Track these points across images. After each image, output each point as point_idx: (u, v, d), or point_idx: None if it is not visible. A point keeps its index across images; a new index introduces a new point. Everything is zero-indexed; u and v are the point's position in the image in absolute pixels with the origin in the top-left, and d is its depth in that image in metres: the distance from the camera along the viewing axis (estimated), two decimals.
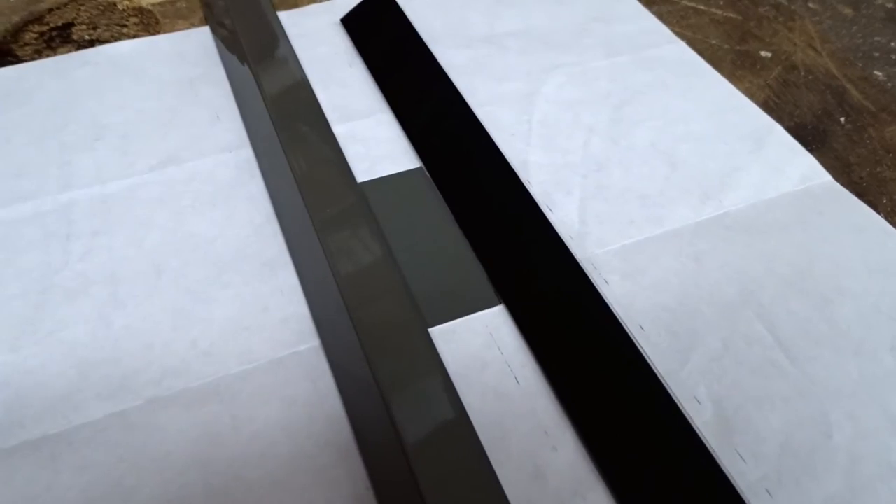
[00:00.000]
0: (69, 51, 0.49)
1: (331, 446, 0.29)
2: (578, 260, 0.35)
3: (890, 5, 0.52)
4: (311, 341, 0.32)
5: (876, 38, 0.49)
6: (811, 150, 0.41)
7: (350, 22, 0.49)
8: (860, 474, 0.28)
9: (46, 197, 0.38)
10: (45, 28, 0.52)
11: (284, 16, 0.50)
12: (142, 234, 0.36)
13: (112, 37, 0.51)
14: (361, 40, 0.48)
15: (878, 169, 0.40)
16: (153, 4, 0.53)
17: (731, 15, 0.51)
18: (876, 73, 0.47)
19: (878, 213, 0.38)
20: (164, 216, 0.37)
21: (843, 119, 0.43)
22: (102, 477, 0.28)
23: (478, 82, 0.45)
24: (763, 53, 0.48)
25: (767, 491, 0.28)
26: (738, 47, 0.48)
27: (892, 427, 0.30)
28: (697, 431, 0.29)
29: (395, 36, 0.47)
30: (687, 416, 0.29)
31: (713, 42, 0.49)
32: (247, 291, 0.34)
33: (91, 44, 0.50)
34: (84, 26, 0.53)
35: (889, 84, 0.46)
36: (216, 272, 0.35)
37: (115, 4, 0.54)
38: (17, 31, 0.51)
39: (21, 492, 0.28)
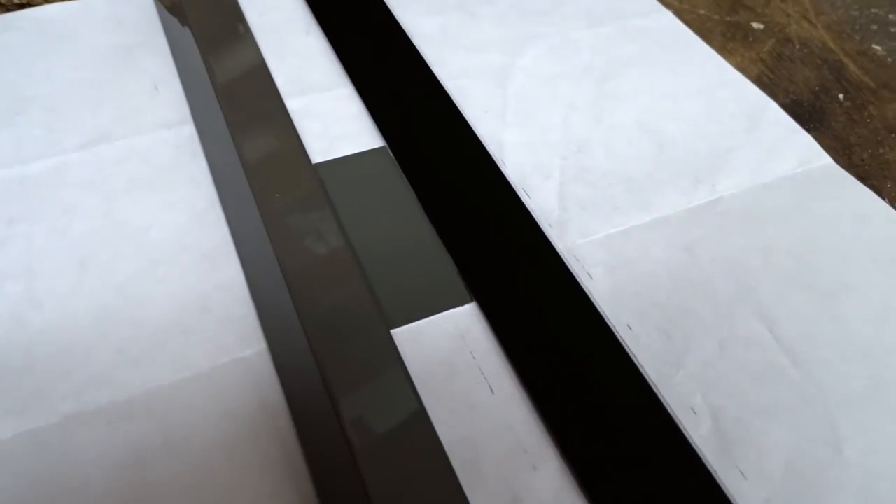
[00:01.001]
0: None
1: (278, 468, 0.25)
2: (559, 251, 0.31)
3: None
4: (256, 345, 0.28)
5: (873, 10, 0.46)
6: (809, 130, 0.37)
7: None
8: (875, 494, 0.25)
9: None
10: None
11: None
12: (65, 221, 0.32)
13: (47, 0, 0.46)
14: (319, 6, 0.43)
15: (881, 150, 0.37)
16: None
17: None
18: (874, 46, 0.44)
19: (882, 198, 0.35)
20: (92, 201, 0.33)
21: (841, 96, 0.40)
22: None
23: (448, 53, 0.41)
24: (755, 25, 0.44)
25: None
26: (728, 18, 0.45)
27: None
28: (694, 447, 0.26)
29: (357, 1, 0.43)
30: (682, 429, 0.26)
31: (702, 12, 0.45)
32: (184, 288, 0.30)
33: (21, 7, 0.45)
34: None
35: (889, 59, 0.43)
36: (149, 266, 0.31)
37: None
38: None
39: None
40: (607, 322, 0.29)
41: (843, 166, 0.36)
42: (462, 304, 0.30)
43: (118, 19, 0.43)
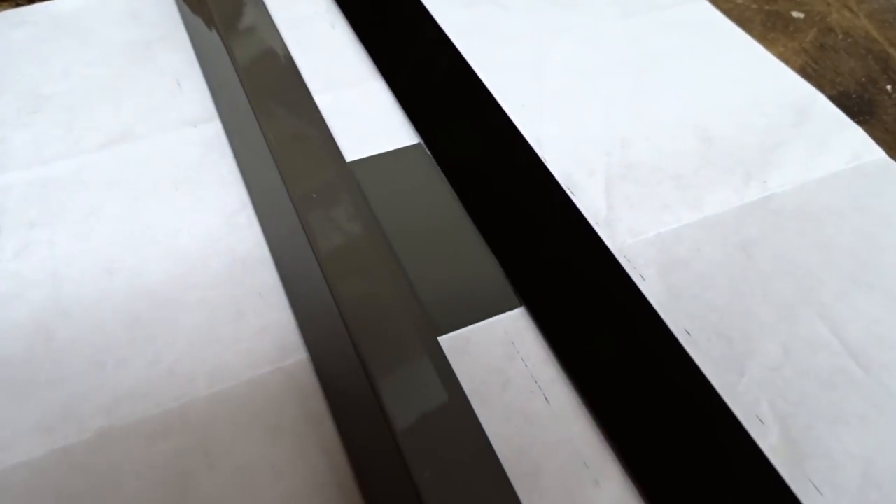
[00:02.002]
0: (4, 8, 0.43)
1: (327, 486, 0.24)
2: (611, 251, 0.30)
3: None
4: (296, 355, 0.27)
5: None
6: (859, 123, 0.36)
7: None
8: None
9: None
10: None
11: None
12: (90, 225, 0.31)
13: None
14: None
15: None
16: None
17: None
18: None
19: None
20: (116, 204, 0.31)
21: (889, 87, 0.39)
22: None
23: (480, 45, 0.39)
24: (795, 14, 0.43)
25: None
26: (766, 7, 0.43)
27: None
28: (768, 458, 0.24)
29: None
30: (754, 441, 0.25)
31: (739, 1, 0.43)
32: (217, 294, 0.28)
33: (32, 2, 0.44)
34: None
35: None
36: (180, 271, 0.29)
37: None
38: None
39: None
40: (667, 327, 0.27)
41: None
42: (511, 308, 0.28)
43: (134, 13, 0.41)
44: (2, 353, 0.26)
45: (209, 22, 0.39)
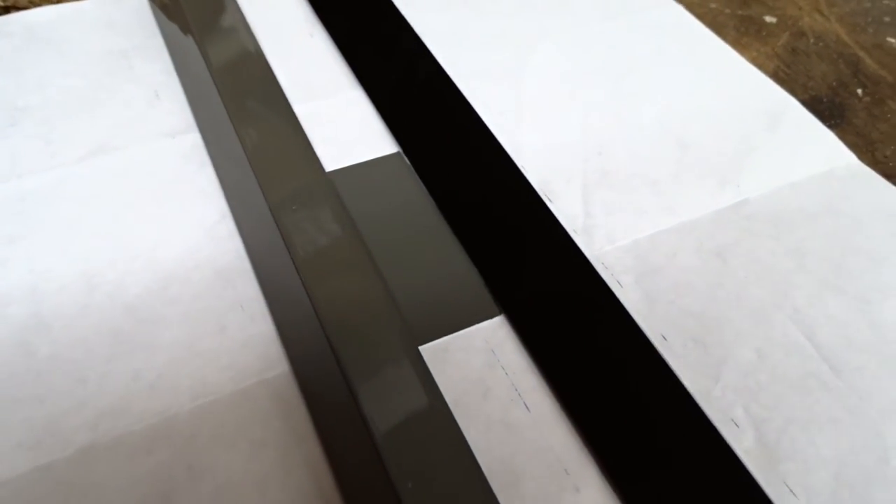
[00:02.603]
0: None
1: (312, 498, 0.24)
2: (588, 258, 0.30)
3: None
4: (279, 367, 0.27)
5: (885, 2, 0.45)
6: (830, 127, 0.37)
7: None
8: None
9: None
10: None
11: None
12: (68, 239, 0.31)
13: (31, 2, 0.44)
14: (322, 6, 0.42)
15: None
16: None
17: None
18: (889, 39, 0.43)
19: None
20: (95, 217, 0.31)
21: (860, 91, 0.39)
22: None
23: (457, 52, 0.39)
24: (767, 18, 0.44)
25: None
26: (739, 11, 0.44)
27: None
28: (743, 462, 0.25)
29: (362, 1, 0.41)
30: (730, 446, 0.25)
31: (713, 6, 0.44)
32: (199, 307, 0.29)
33: (6, 10, 0.43)
34: None
35: None
36: (161, 285, 0.29)
37: None
38: None
39: None
40: (645, 334, 0.28)
41: (867, 164, 0.35)
42: (490, 317, 0.29)
43: (110, 22, 0.41)
44: None
45: (186, 31, 0.39)
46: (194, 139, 0.35)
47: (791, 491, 0.25)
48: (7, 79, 0.37)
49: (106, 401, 0.26)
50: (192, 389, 0.26)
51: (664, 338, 0.28)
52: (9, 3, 0.45)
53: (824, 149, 0.36)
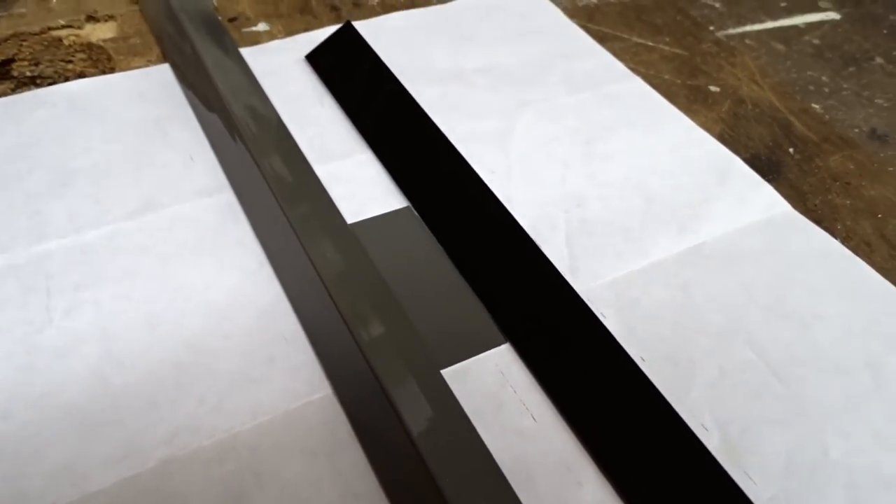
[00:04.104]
0: (8, 88, 0.47)
1: (360, 498, 0.29)
2: (577, 293, 0.36)
3: (816, 41, 0.57)
4: (322, 390, 0.32)
5: (808, 73, 0.53)
6: (768, 181, 0.44)
7: (316, 59, 0.49)
8: (858, 489, 0.30)
9: (18, 250, 0.36)
10: None
11: (246, 52, 0.49)
12: (128, 285, 0.35)
13: (56, 73, 0.49)
14: (330, 77, 0.48)
15: (829, 196, 0.44)
16: (104, 41, 0.51)
17: (678, 51, 0.54)
18: (813, 105, 0.50)
19: (835, 237, 0.41)
20: (149, 265, 0.36)
21: (791, 150, 0.47)
22: None
23: (452, 119, 0.45)
24: (712, 88, 0.51)
25: None
26: (689, 82, 0.51)
27: (879, 442, 0.32)
28: (714, 456, 0.30)
29: (365, 72, 0.47)
30: (701, 442, 0.31)
31: (666, 77, 0.51)
32: (249, 341, 0.33)
33: (32, 80, 0.48)
34: (25, 62, 0.50)
35: (826, 116, 0.50)
36: (214, 322, 0.34)
37: (60, 40, 0.51)
38: None
39: None
40: (629, 355, 0.34)
41: (800, 212, 0.42)
42: (498, 344, 0.34)
43: (141, 93, 0.46)
44: (66, 400, 0.31)
45: (214, 101, 0.44)
46: (229, 197, 0.40)
47: (751, 479, 0.30)
48: (55, 144, 0.42)
49: (178, 420, 0.30)
50: (250, 410, 0.31)
51: (642, 359, 0.34)
52: (35, 74, 0.49)
53: (764, 199, 0.42)
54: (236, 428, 0.30)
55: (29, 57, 0.51)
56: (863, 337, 0.36)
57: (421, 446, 0.29)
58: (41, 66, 0.50)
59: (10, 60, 0.50)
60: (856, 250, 0.40)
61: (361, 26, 0.52)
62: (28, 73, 0.50)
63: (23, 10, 0.53)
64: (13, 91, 0.46)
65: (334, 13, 0.54)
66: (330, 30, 0.51)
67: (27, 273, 0.35)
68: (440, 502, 0.27)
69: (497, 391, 0.32)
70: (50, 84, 0.47)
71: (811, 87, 0.52)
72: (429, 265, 0.37)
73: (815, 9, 0.61)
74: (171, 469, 0.29)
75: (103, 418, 0.30)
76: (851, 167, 0.46)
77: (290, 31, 0.52)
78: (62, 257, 0.36)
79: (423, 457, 0.28)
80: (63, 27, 0.52)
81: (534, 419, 0.32)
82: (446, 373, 0.33)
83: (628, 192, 0.42)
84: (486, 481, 0.29)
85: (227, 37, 0.49)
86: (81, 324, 0.33)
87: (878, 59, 0.56)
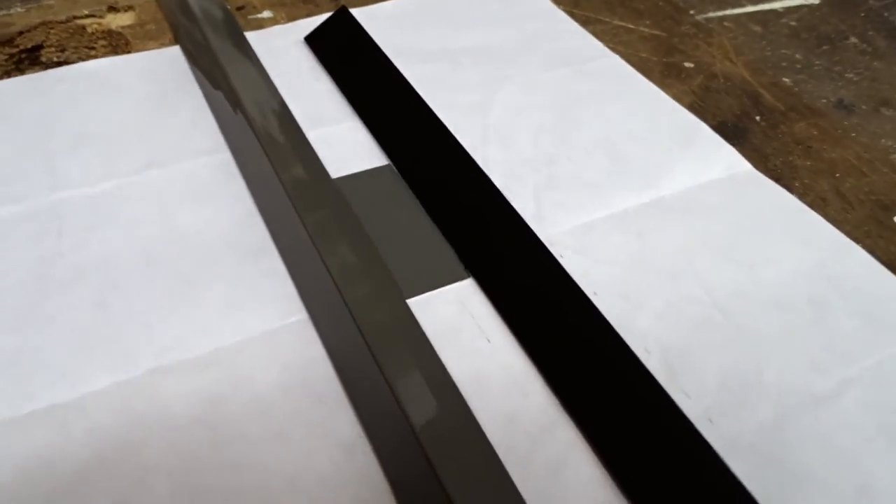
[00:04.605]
0: (38, 72, 0.52)
1: (325, 402, 0.32)
2: (538, 237, 0.39)
3: (793, 23, 0.59)
4: (299, 314, 0.35)
5: (783, 51, 0.56)
6: (733, 145, 0.46)
7: (314, 40, 0.53)
8: (787, 404, 0.33)
9: (37, 199, 0.40)
10: (14, 50, 0.54)
11: (251, 36, 0.53)
12: (131, 228, 0.39)
13: (80, 59, 0.54)
14: (326, 57, 0.52)
15: (790, 158, 0.46)
16: (123, 27, 0.56)
17: (658, 32, 0.57)
18: (784, 79, 0.53)
19: (792, 193, 0.43)
20: (151, 213, 0.40)
21: (758, 118, 0.49)
22: (112, 438, 0.30)
23: (437, 92, 0.49)
24: (687, 64, 0.54)
25: (710, 420, 0.32)
26: (664, 59, 0.54)
27: (812, 366, 0.34)
28: (651, 372, 0.33)
29: (358, 52, 0.51)
30: (641, 361, 0.33)
31: (643, 55, 0.54)
32: (236, 275, 0.37)
33: (59, 65, 0.53)
34: (53, 49, 0.55)
35: (796, 88, 0.52)
36: (205, 260, 0.38)
37: (84, 28, 0.56)
38: None
39: (36, 453, 0.30)
40: (580, 288, 0.36)
41: (761, 171, 0.45)
42: (462, 279, 0.37)
43: (153, 70, 0.51)
44: (70, 319, 0.34)
45: (217, 76, 0.48)
46: (226, 157, 0.44)
47: (686, 394, 0.33)
48: (75, 113, 0.46)
49: (168, 338, 0.34)
50: (233, 330, 0.34)
51: (595, 293, 0.37)
52: (62, 60, 0.54)
53: (727, 159, 0.45)
54: (218, 344, 0.34)
55: (56, 43, 0.55)
56: (808, 277, 0.38)
57: (380, 358, 0.32)
58: (67, 52, 0.55)
59: (39, 47, 0.55)
60: (811, 205, 0.43)
61: (358, 12, 0.56)
62: (55, 59, 0.54)
63: (51, 1, 0.58)
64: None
65: (333, 2, 0.59)
66: (328, 15, 0.55)
67: (43, 217, 0.39)
68: (395, 404, 0.30)
69: (457, 318, 0.36)
70: None
71: (784, 64, 0.55)
72: (403, 213, 0.41)
73: None
74: (158, 376, 0.32)
75: (102, 334, 0.34)
76: (815, 133, 0.48)
77: (292, 18, 0.57)
78: (74, 204, 0.40)
79: (381, 367, 0.31)
80: (87, 16, 0.57)
81: (488, 341, 0.35)
82: (412, 302, 0.36)
83: (596, 154, 0.45)
84: (438, 389, 0.32)
85: (233, 22, 0.53)
86: (88, 258, 0.37)
87: (853, 39, 0.58)
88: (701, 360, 0.34)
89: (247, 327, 0.35)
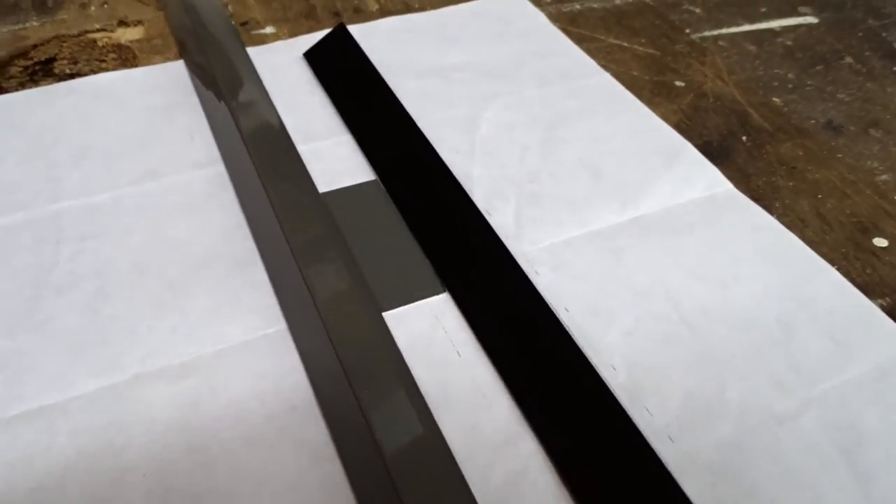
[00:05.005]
0: (51, 83, 0.54)
1: (297, 409, 0.33)
2: (513, 255, 0.40)
3: (789, 42, 0.60)
4: (278, 325, 0.37)
5: (776, 70, 0.57)
6: (716, 164, 0.47)
7: (312, 56, 0.55)
8: (747, 423, 0.33)
9: (37, 208, 0.42)
10: (29, 62, 0.56)
11: (252, 51, 0.55)
12: (125, 237, 0.41)
13: (91, 71, 0.56)
14: (322, 72, 0.53)
15: (773, 178, 0.47)
16: (131, 41, 0.58)
17: (651, 51, 0.58)
18: (774, 99, 0.54)
19: (772, 214, 0.44)
20: (144, 222, 0.42)
21: (744, 138, 0.50)
22: (95, 439, 0.32)
23: (427, 108, 0.50)
24: (677, 83, 0.55)
25: (669, 437, 0.33)
26: (655, 78, 0.55)
27: (775, 385, 0.35)
28: (612, 391, 0.34)
29: (353, 68, 0.53)
30: (604, 379, 0.34)
31: (634, 73, 0.55)
32: (221, 285, 0.38)
33: (71, 77, 0.55)
34: (65, 61, 0.57)
35: (786, 108, 0.53)
36: (193, 270, 0.39)
37: (95, 41, 0.58)
38: (4, 66, 0.55)
39: (22, 452, 0.31)
40: (549, 305, 0.37)
41: (742, 191, 0.45)
42: (437, 293, 0.38)
43: (157, 84, 0.53)
44: (62, 325, 0.36)
45: (216, 90, 0.50)
46: (220, 169, 0.45)
47: (648, 411, 0.34)
48: (77, 126, 0.48)
49: (152, 345, 0.35)
50: (214, 339, 0.36)
51: (566, 309, 0.38)
52: (74, 72, 0.57)
53: (709, 179, 0.46)
54: (200, 352, 0.35)
55: (68, 56, 0.58)
56: (778, 297, 0.39)
57: (348, 368, 0.33)
58: (79, 65, 0.57)
59: (53, 59, 0.57)
60: (790, 226, 0.43)
61: (357, 29, 0.57)
62: (68, 71, 0.57)
63: (65, 16, 0.60)
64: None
65: (336, 18, 0.60)
66: (327, 32, 0.57)
67: (42, 226, 0.41)
68: (360, 413, 0.32)
69: (430, 332, 0.37)
70: None
71: (775, 84, 0.55)
72: (385, 227, 0.42)
73: (794, 13, 0.64)
74: (141, 381, 0.34)
75: (90, 340, 0.36)
76: (800, 154, 0.49)
77: (294, 34, 0.58)
78: (73, 215, 0.42)
79: (349, 377, 0.33)
80: (98, 30, 0.59)
81: (459, 355, 0.36)
82: (387, 315, 0.37)
83: (580, 171, 0.46)
84: (406, 400, 0.33)
85: (236, 37, 0.55)
86: (82, 267, 0.39)
87: (848, 59, 0.58)
88: (666, 378, 0.35)
89: (227, 336, 0.36)
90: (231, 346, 0.36)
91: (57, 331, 0.36)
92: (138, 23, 0.60)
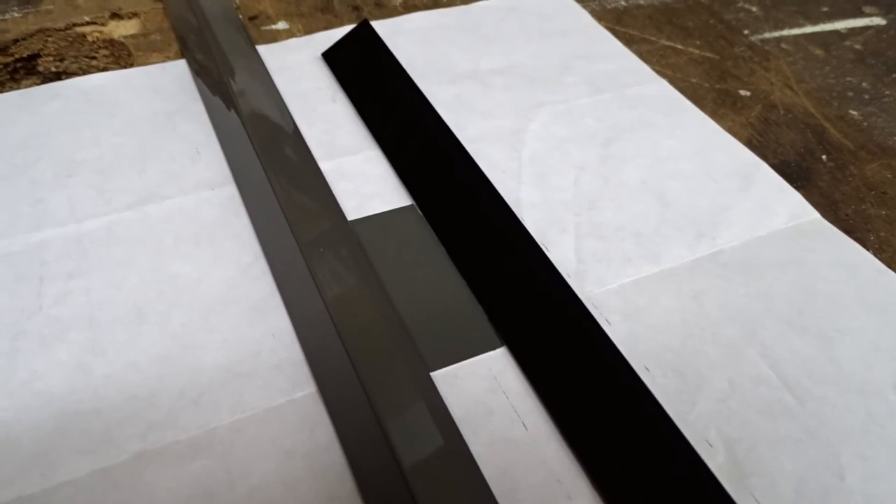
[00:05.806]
0: (34, 83, 0.47)
1: (335, 501, 0.27)
2: (580, 298, 0.34)
3: (858, 46, 0.54)
4: (306, 388, 0.31)
5: (848, 78, 0.51)
6: (797, 188, 0.41)
7: (332, 56, 0.48)
8: None
9: (16, 237, 0.36)
10: (9, 59, 0.50)
11: (263, 50, 0.49)
12: (121, 275, 0.35)
13: (80, 69, 0.49)
14: (344, 75, 0.47)
15: (863, 206, 0.41)
16: (126, 37, 0.51)
17: (709, 54, 0.52)
18: (851, 111, 0.48)
19: (867, 249, 0.38)
20: (144, 256, 0.36)
21: (824, 157, 0.44)
22: None
23: (465, 118, 0.44)
24: (742, 92, 0.49)
25: None
26: (717, 86, 0.49)
27: None
28: (715, 475, 0.28)
29: (379, 71, 0.46)
30: (703, 460, 0.29)
31: (693, 80, 0.49)
32: (236, 336, 0.32)
33: (57, 76, 0.48)
34: (50, 58, 0.51)
35: (864, 123, 0.47)
36: (202, 316, 0.33)
37: (84, 36, 0.52)
38: None
39: None
40: (630, 364, 0.32)
41: (829, 221, 0.39)
42: (493, 348, 0.32)
43: (156, 87, 0.46)
44: (46, 387, 0.30)
45: (225, 97, 0.44)
46: (231, 191, 0.39)
47: (757, 501, 0.28)
48: (66, 135, 0.42)
49: (155, 414, 0.29)
50: (230, 406, 0.30)
51: (647, 369, 0.32)
52: (61, 70, 0.50)
53: (791, 206, 0.40)
54: (213, 423, 0.29)
55: (54, 52, 0.51)
56: (891, 354, 0.33)
57: (400, 453, 0.27)
58: (66, 62, 0.50)
59: (36, 56, 0.51)
60: (889, 263, 0.38)
61: (380, 26, 0.51)
62: (53, 69, 0.50)
63: (50, 6, 0.54)
64: (39, 86, 0.47)
65: (356, 13, 0.54)
66: (348, 28, 0.51)
67: (22, 260, 0.35)
68: None
69: (488, 396, 0.31)
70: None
71: (850, 94, 0.50)
72: (428, 265, 0.36)
73: (859, 14, 0.58)
74: (142, 463, 0.28)
75: (81, 408, 0.29)
76: (889, 176, 0.43)
77: (309, 30, 0.52)
78: (59, 246, 0.36)
79: (400, 464, 0.27)
80: (87, 24, 0.52)
81: (525, 427, 0.30)
82: (437, 375, 0.31)
83: (644, 196, 0.40)
84: (468, 492, 0.27)
85: (245, 34, 0.48)
86: (70, 312, 0.33)
87: None
88: (773, 458, 0.29)
89: (246, 402, 0.30)
90: (250, 415, 0.30)
91: (40, 395, 0.30)
92: (133, 15, 0.53)
